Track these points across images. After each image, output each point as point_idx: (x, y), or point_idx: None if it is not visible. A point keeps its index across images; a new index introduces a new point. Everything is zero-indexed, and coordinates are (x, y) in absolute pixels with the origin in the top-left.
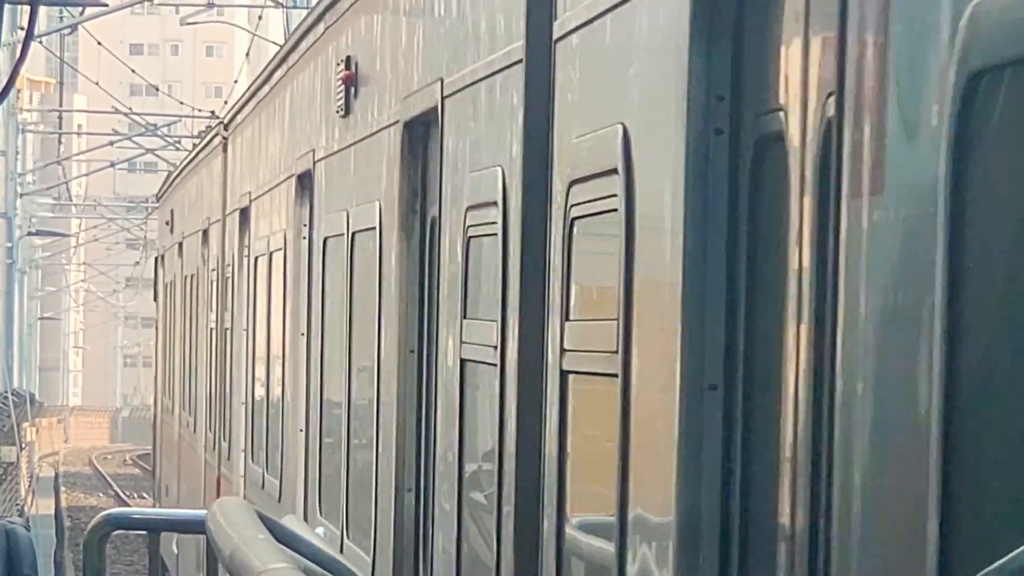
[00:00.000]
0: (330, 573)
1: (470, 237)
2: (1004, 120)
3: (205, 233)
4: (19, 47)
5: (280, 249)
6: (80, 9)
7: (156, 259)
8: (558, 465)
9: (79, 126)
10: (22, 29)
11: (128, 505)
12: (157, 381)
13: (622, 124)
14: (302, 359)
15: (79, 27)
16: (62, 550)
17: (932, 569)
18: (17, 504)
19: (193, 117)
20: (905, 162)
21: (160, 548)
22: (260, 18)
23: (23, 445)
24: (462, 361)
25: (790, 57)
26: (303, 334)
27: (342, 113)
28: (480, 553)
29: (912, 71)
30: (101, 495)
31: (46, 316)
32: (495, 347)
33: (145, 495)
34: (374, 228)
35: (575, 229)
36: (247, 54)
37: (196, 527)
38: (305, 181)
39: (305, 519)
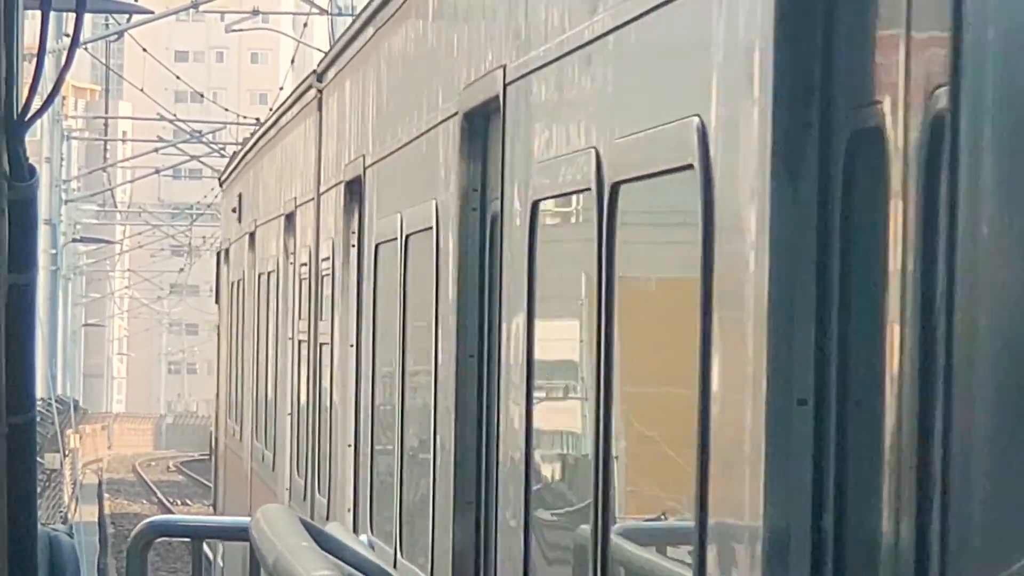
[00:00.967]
0: None
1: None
2: None
3: (289, 218)
4: (65, 54)
5: (429, 228)
6: (126, 16)
7: (219, 254)
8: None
9: (124, 133)
10: (68, 36)
11: (171, 512)
12: (219, 396)
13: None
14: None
15: (125, 34)
16: (105, 557)
17: None
18: (61, 511)
19: (238, 124)
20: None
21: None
22: (305, 25)
23: (67, 452)
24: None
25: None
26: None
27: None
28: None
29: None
30: (144, 502)
31: (90, 323)
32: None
33: (188, 502)
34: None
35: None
36: (292, 61)
37: (240, 534)
38: (477, 123)
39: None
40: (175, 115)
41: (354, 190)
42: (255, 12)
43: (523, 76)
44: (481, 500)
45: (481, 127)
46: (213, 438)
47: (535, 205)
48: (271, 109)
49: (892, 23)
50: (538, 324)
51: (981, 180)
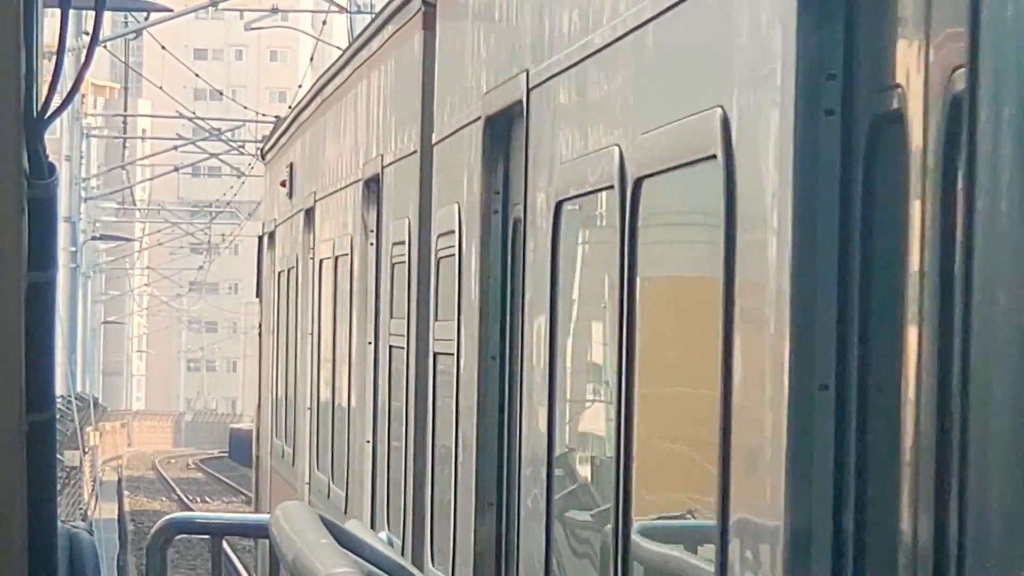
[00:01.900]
0: None
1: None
2: None
3: (372, 184)
4: (84, 52)
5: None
6: (145, 14)
7: (260, 240)
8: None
9: (143, 131)
10: (87, 34)
11: (191, 510)
12: (261, 408)
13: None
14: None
15: (144, 32)
16: (125, 554)
17: None
18: (80, 508)
19: (257, 122)
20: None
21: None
22: (324, 23)
23: (86, 449)
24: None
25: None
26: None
27: None
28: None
29: None
30: (164, 499)
31: (110, 320)
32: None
33: (208, 499)
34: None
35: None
36: (311, 59)
37: (259, 531)
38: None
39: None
40: (194, 113)
41: (499, 128)
42: (274, 10)
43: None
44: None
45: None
46: (253, 456)
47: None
48: (290, 107)
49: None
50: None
51: (1000, 165)
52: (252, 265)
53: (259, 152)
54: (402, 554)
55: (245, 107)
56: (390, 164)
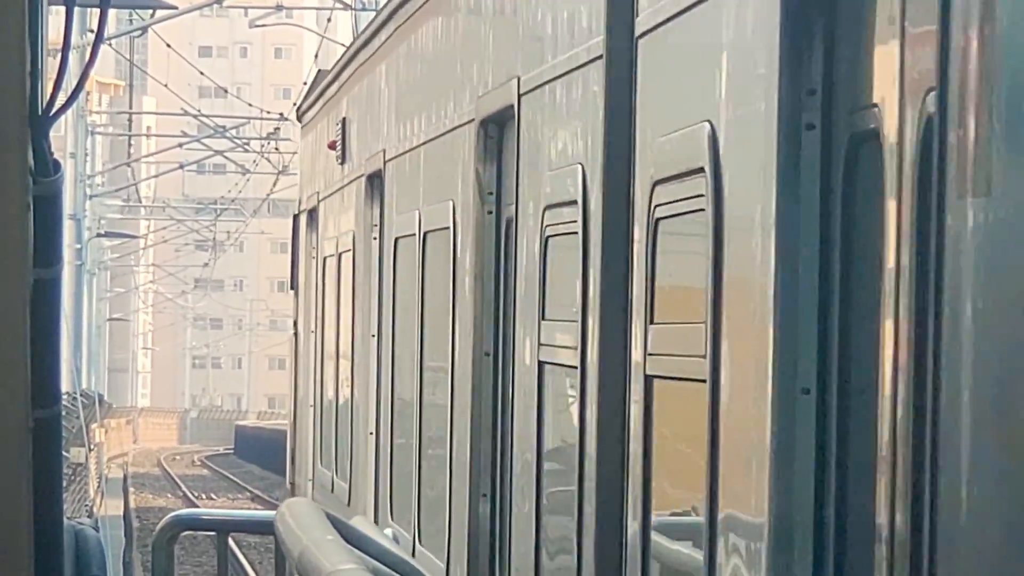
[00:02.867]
0: (399, 574)
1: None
2: None
3: (491, 125)
4: (89, 50)
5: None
6: (150, 11)
7: (296, 218)
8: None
9: (148, 128)
10: (92, 32)
11: (196, 506)
12: (299, 426)
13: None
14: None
15: (148, 30)
16: (131, 551)
17: None
18: (86, 505)
19: (262, 119)
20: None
21: (227, 548)
22: (329, 20)
23: (92, 446)
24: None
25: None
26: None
27: None
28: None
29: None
30: (169, 496)
31: (115, 317)
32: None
33: (213, 496)
34: None
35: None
36: (316, 56)
37: (265, 528)
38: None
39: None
40: (199, 110)
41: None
42: (279, 7)
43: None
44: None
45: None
46: (287, 481)
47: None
48: (294, 104)
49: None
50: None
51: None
52: (257, 262)
53: (295, 112)
54: None
55: (250, 104)
56: (540, 86)
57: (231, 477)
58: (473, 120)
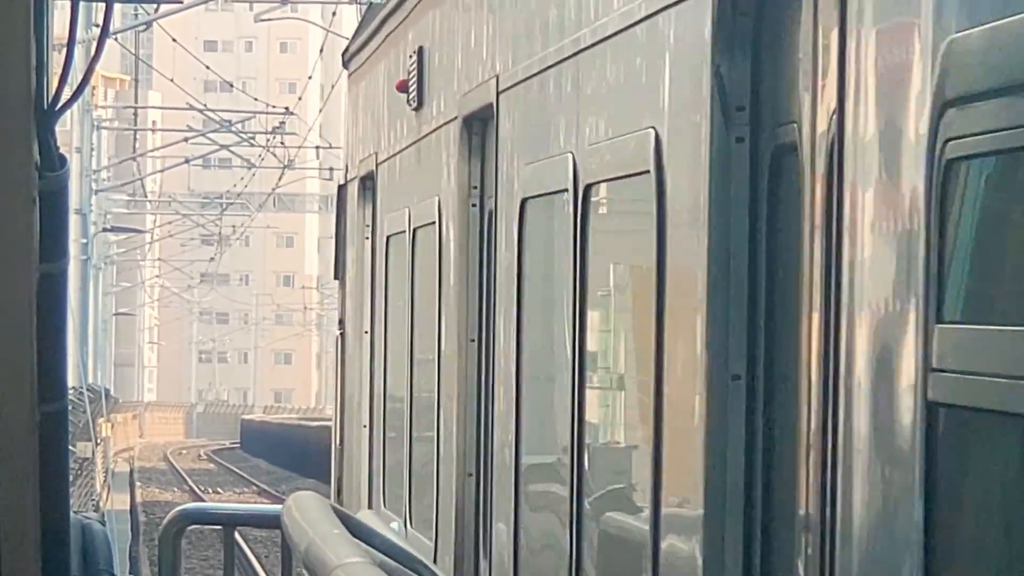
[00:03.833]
0: (405, 568)
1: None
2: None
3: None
4: (94, 44)
5: None
6: (155, 6)
7: (341, 189)
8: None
9: (153, 122)
10: (97, 26)
11: (203, 500)
12: (343, 445)
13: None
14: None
15: (154, 24)
16: (137, 545)
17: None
18: (93, 499)
19: (267, 113)
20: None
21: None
22: (334, 14)
23: (98, 441)
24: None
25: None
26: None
27: None
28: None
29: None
30: (176, 490)
31: (121, 312)
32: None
33: (220, 490)
34: None
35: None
36: (321, 50)
37: (272, 522)
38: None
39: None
40: (204, 104)
41: None
42: (284, 1)
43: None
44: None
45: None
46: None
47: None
48: (299, 98)
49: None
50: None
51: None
52: (263, 256)
53: (342, 59)
54: None
55: (255, 98)
56: None
57: (237, 471)
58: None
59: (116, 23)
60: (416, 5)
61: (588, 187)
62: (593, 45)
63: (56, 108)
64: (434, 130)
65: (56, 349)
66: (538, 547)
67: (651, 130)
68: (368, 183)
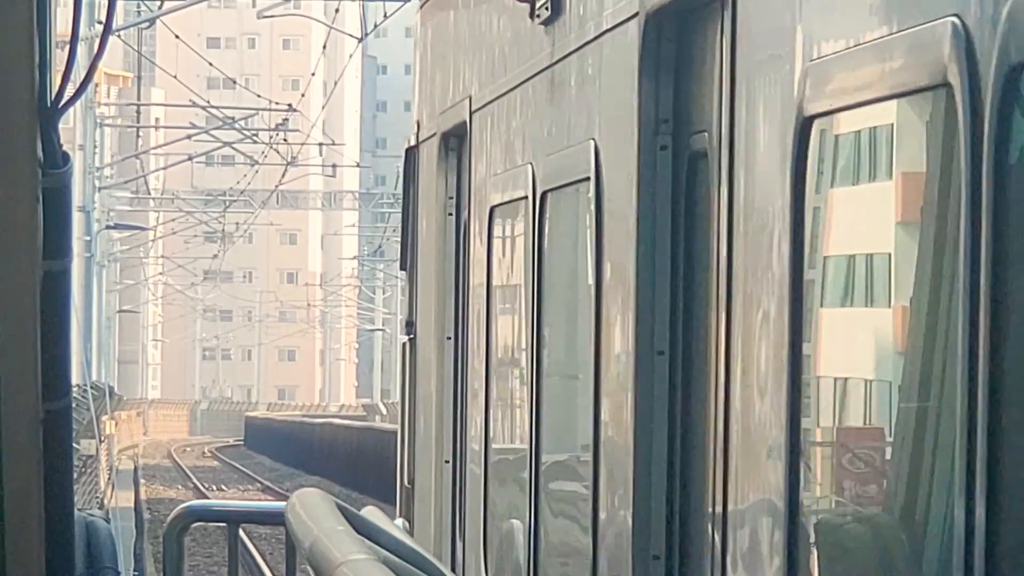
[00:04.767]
0: (411, 565)
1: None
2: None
3: None
4: (97, 41)
5: None
6: (158, 3)
7: (412, 152)
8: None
9: (156, 120)
10: (100, 23)
11: (207, 497)
12: (416, 483)
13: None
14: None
15: (156, 21)
16: (141, 542)
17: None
18: (97, 497)
19: (270, 110)
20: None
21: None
22: (337, 11)
23: (102, 438)
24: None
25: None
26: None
27: None
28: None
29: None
30: (180, 487)
31: (125, 309)
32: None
33: (224, 487)
34: None
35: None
36: (324, 47)
37: (276, 519)
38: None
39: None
40: (207, 102)
41: None
42: None
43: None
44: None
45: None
46: None
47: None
48: (302, 95)
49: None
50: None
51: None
52: (266, 253)
53: None
54: None
55: (258, 95)
56: None
57: (241, 468)
58: None
59: (119, 20)
60: None
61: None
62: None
63: (59, 105)
64: (589, 42)
65: (60, 346)
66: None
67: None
68: (453, 141)
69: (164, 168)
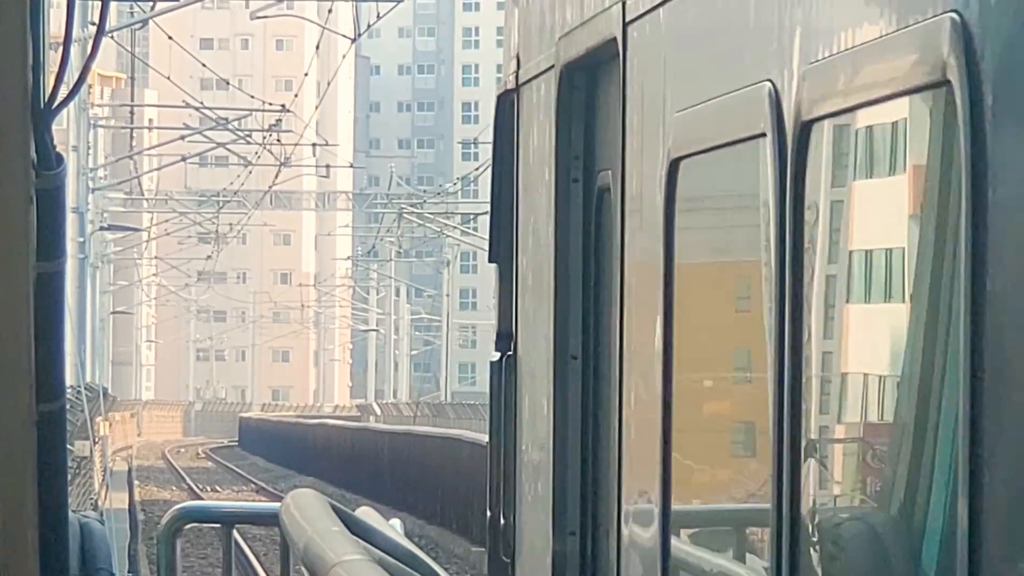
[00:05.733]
0: (405, 565)
1: None
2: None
3: None
4: (90, 42)
5: None
6: (151, 4)
7: (510, 96)
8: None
9: (150, 121)
10: (93, 24)
11: (201, 498)
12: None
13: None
14: None
15: (150, 22)
16: (136, 543)
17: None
18: (91, 498)
19: (263, 111)
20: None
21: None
22: (330, 11)
23: (97, 439)
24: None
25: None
26: None
27: None
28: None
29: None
30: (174, 488)
31: (118, 310)
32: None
33: (218, 488)
34: None
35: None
36: (317, 47)
37: (270, 520)
38: None
39: None
40: (201, 102)
41: None
42: None
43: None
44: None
45: None
46: None
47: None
48: (295, 96)
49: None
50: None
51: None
52: (260, 254)
53: None
54: None
55: (252, 96)
56: None
57: (235, 469)
58: None
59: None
60: None
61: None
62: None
63: (52, 106)
64: None
65: (54, 348)
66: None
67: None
68: (581, 76)
69: (158, 169)
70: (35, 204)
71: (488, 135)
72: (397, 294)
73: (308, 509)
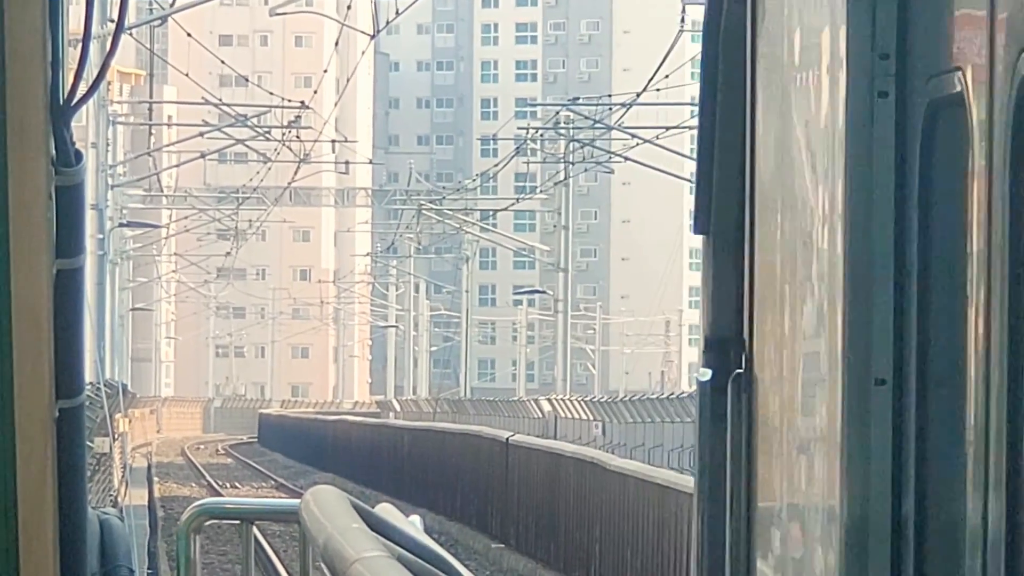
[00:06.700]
0: (425, 562)
1: None
2: None
3: None
4: (109, 39)
5: None
6: (170, 1)
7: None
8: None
9: (169, 117)
10: (112, 21)
11: (220, 495)
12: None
13: None
14: None
15: (169, 19)
16: (155, 540)
17: None
18: (111, 495)
19: (283, 107)
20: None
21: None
22: (349, 7)
23: (116, 436)
24: None
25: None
26: None
27: None
28: None
29: None
30: (193, 485)
31: (138, 307)
32: None
33: (238, 485)
34: None
35: None
36: (336, 44)
37: (290, 516)
38: None
39: None
40: (220, 99)
41: None
42: None
43: None
44: None
45: None
46: None
47: None
48: (315, 92)
49: None
50: None
51: None
52: (279, 250)
53: None
54: None
55: (271, 93)
56: None
57: (255, 466)
58: None
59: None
60: None
61: None
62: None
63: (72, 104)
64: None
65: (73, 345)
66: None
67: None
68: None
69: (177, 166)
70: (55, 201)
71: (507, 132)
72: (416, 290)
73: (328, 506)
